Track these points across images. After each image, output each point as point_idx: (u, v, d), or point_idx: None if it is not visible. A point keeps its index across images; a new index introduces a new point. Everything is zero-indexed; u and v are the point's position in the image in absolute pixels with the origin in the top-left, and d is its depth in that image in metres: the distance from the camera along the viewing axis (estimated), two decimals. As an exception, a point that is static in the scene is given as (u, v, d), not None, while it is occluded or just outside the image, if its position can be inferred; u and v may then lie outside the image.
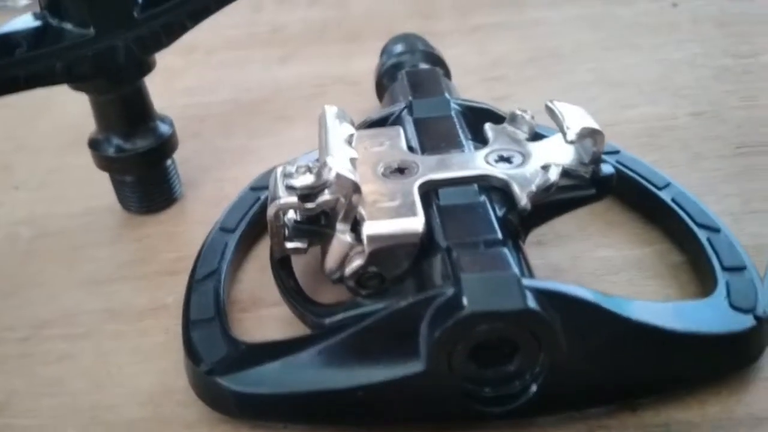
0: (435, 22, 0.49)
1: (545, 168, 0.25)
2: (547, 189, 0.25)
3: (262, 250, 0.31)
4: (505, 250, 0.22)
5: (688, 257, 0.28)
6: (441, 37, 0.46)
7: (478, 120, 0.31)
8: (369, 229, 0.23)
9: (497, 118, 0.31)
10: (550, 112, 0.26)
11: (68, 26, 0.28)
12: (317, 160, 0.28)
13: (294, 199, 0.25)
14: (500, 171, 0.25)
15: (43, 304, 0.29)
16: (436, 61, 0.36)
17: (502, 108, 0.33)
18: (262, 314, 0.28)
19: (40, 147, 0.39)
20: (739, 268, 0.26)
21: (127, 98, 0.31)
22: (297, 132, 0.39)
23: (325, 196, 0.24)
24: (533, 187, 0.24)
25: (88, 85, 0.30)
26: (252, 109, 0.41)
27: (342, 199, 0.24)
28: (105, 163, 0.32)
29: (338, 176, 0.23)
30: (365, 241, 0.23)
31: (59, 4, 0.28)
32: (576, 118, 0.25)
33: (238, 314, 0.28)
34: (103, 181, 0.33)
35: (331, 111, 0.27)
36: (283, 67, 0.45)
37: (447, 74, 0.37)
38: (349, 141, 0.26)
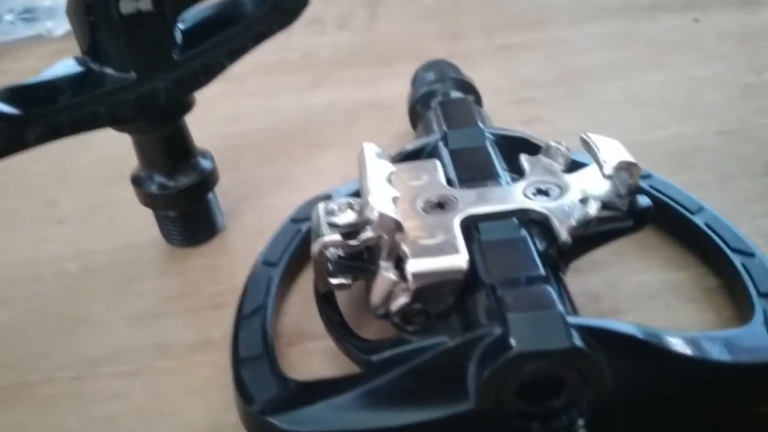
0: (462, 42, 0.50)
1: (583, 201, 0.25)
2: (586, 223, 0.25)
3: (305, 282, 0.31)
4: (549, 288, 0.22)
5: (723, 281, 0.29)
6: (468, 57, 0.46)
7: (512, 148, 0.31)
8: (413, 266, 0.23)
9: (531, 146, 0.32)
10: (585, 144, 0.26)
11: (109, 71, 0.28)
12: (358, 196, 0.29)
13: (337, 236, 0.25)
14: (539, 204, 0.26)
15: (93, 342, 0.30)
16: (467, 88, 0.37)
17: (533, 131, 0.34)
18: (308, 348, 0.28)
19: (83, 181, 0.40)
20: (777, 293, 0.26)
21: (168, 137, 0.31)
22: (331, 158, 0.40)
23: (368, 233, 0.25)
24: (573, 222, 0.25)
25: (130, 126, 0.30)
26: (287, 137, 0.42)
27: (385, 236, 0.24)
28: (148, 199, 0.33)
29: (381, 216, 0.24)
30: (410, 278, 0.23)
31: (100, 49, 0.28)
32: (611, 152, 0.25)
33: (285, 348, 0.28)
34: (145, 214, 0.34)
35: (369, 149, 0.27)
36: (315, 92, 0.46)
37: (478, 100, 0.37)
38: (389, 178, 0.26)
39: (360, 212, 0.25)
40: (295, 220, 0.32)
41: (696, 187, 0.33)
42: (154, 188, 0.32)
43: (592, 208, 0.25)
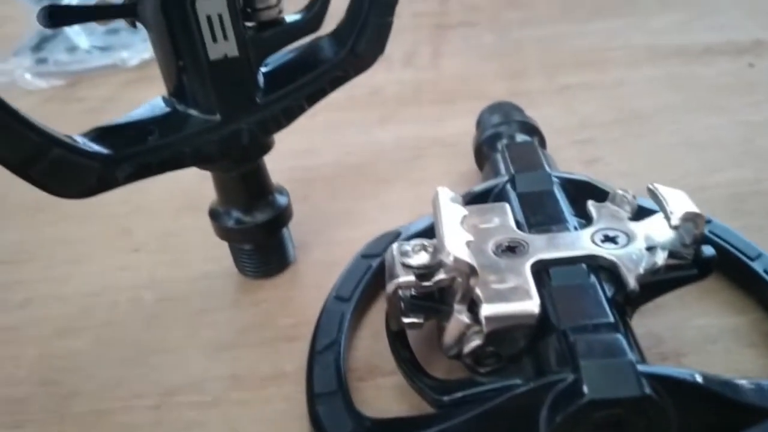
0: (522, 81, 0.50)
1: (650, 250, 0.26)
2: (653, 272, 0.25)
3: (374, 316, 0.32)
4: (619, 336, 0.23)
5: (784, 325, 0.29)
6: (529, 96, 0.47)
7: (577, 192, 0.32)
8: (487, 311, 0.24)
9: (595, 190, 0.33)
10: (652, 194, 0.27)
11: (194, 112, 0.29)
12: (427, 235, 0.30)
13: (411, 277, 0.26)
14: (607, 252, 0.26)
15: (170, 371, 0.31)
16: (532, 130, 0.37)
17: (594, 173, 0.34)
18: (379, 383, 0.29)
19: (157, 210, 0.41)
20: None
21: (247, 175, 0.32)
22: (398, 194, 0.40)
23: (441, 275, 0.26)
24: (640, 270, 0.25)
25: (211, 165, 0.32)
26: (355, 172, 0.43)
27: (459, 280, 0.25)
28: (224, 233, 0.34)
29: (456, 260, 0.24)
30: (483, 322, 0.24)
31: (186, 91, 0.29)
32: (678, 203, 0.26)
33: (356, 383, 0.29)
34: (218, 244, 0.35)
35: (443, 193, 0.28)
36: (381, 128, 0.47)
37: (542, 141, 0.38)
38: (462, 222, 0.27)
39: (433, 254, 0.26)
40: (366, 255, 0.33)
41: (753, 232, 0.33)
42: (231, 223, 0.33)
43: (660, 258, 0.25)
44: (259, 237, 0.34)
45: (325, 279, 0.34)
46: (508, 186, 0.32)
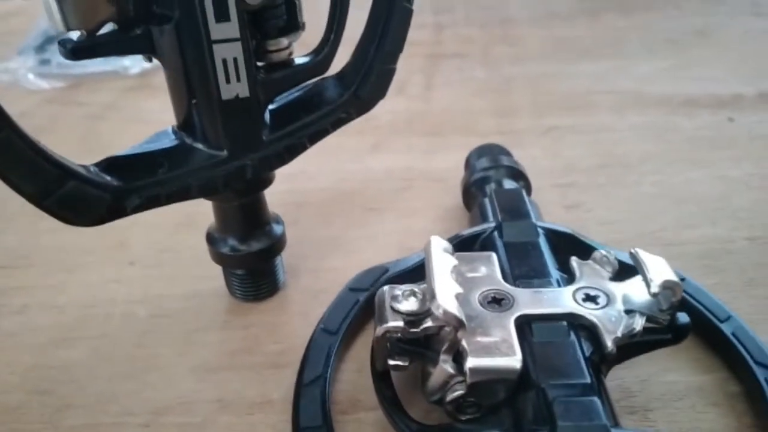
0: (511, 120, 0.51)
1: (629, 313, 0.27)
2: (631, 336, 0.26)
3: (359, 349, 0.33)
4: (595, 399, 0.24)
5: (745, 389, 0.30)
6: (517, 136, 0.48)
7: (560, 242, 0.33)
8: (472, 363, 0.25)
9: (577, 242, 0.34)
10: (634, 259, 0.28)
11: (202, 147, 0.30)
12: (414, 273, 0.32)
13: (400, 323, 0.27)
14: (588, 311, 0.27)
15: (161, 389, 0.31)
16: (518, 175, 0.38)
17: (575, 218, 0.36)
18: (362, 417, 0.30)
19: (153, 225, 0.41)
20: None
21: (247, 206, 0.33)
22: (387, 225, 0.41)
23: (429, 323, 0.26)
24: (618, 333, 0.26)
25: (214, 196, 0.32)
26: (345, 198, 0.43)
27: (447, 330, 0.26)
28: (219, 258, 0.34)
29: (445, 313, 0.25)
30: (468, 374, 0.25)
31: (196, 127, 0.30)
32: (657, 270, 0.27)
33: (339, 416, 0.29)
34: (212, 264, 0.35)
35: (436, 243, 0.29)
36: (373, 156, 0.47)
37: (528, 186, 0.38)
38: (452, 273, 0.28)
39: (422, 301, 0.27)
40: (353, 288, 0.34)
41: (723, 290, 0.34)
42: (226, 250, 0.34)
43: (638, 324, 0.26)
44: (253, 264, 0.34)
45: (312, 307, 0.35)
46: (495, 233, 0.33)
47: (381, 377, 0.29)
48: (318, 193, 0.44)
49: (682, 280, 0.33)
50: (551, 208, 0.40)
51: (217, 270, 0.36)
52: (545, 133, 0.49)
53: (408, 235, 0.40)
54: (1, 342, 0.34)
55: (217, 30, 0.27)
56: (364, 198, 0.43)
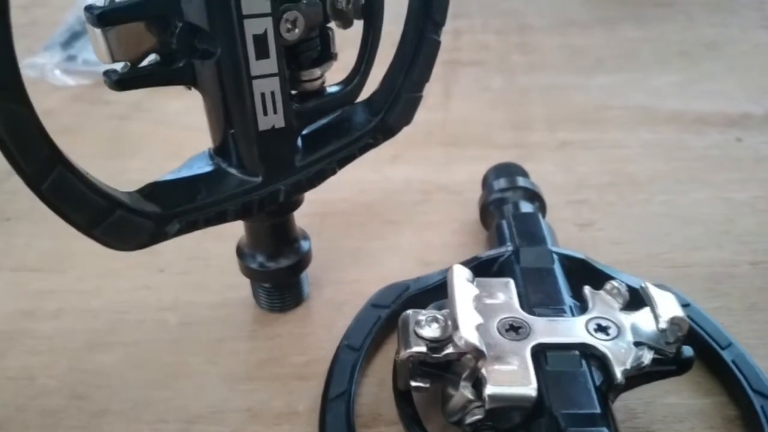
0: (527, 133, 0.52)
1: (638, 345, 0.28)
2: (639, 368, 0.28)
3: (381, 364, 0.34)
4: (604, 430, 0.26)
5: (742, 414, 0.31)
6: (532, 150, 0.50)
7: (572, 266, 0.35)
8: (491, 391, 0.26)
9: (589, 267, 0.35)
10: (644, 293, 0.29)
11: (238, 172, 0.31)
12: (435, 292, 0.34)
13: (423, 348, 0.28)
14: (599, 342, 0.29)
15: (192, 397, 0.33)
16: (534, 196, 0.40)
17: (586, 237, 0.39)
18: (382, 431, 0.31)
19: None
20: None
21: (277, 226, 0.34)
22: (406, 238, 0.43)
23: (450, 349, 0.28)
24: (627, 365, 0.28)
25: (247, 218, 0.33)
26: (366, 210, 0.44)
27: (468, 357, 0.27)
28: (248, 272, 0.36)
29: (467, 344, 0.27)
30: (486, 400, 0.27)
31: (232, 153, 0.31)
32: (666, 306, 0.28)
33: (361, 429, 0.31)
34: (238, 273, 0.36)
35: (459, 272, 0.30)
36: (393, 167, 0.49)
37: (543, 207, 0.40)
38: (474, 302, 0.29)
39: (444, 328, 0.29)
40: (375, 305, 0.36)
41: (726, 314, 0.36)
42: (255, 265, 0.35)
43: (647, 358, 0.28)
44: (280, 279, 0.36)
45: (335, 319, 0.36)
46: (513, 258, 0.34)
47: (402, 396, 0.30)
48: (340, 203, 0.45)
49: (687, 305, 0.35)
50: (565, 226, 0.42)
51: (244, 279, 0.37)
52: (558, 147, 0.50)
53: (426, 249, 0.41)
54: (39, 345, 0.36)
55: (257, 66, 0.28)
56: (383, 210, 0.45)
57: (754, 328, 0.36)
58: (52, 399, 0.33)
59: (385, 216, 0.44)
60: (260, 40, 0.28)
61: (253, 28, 0.27)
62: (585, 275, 0.35)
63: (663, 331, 0.28)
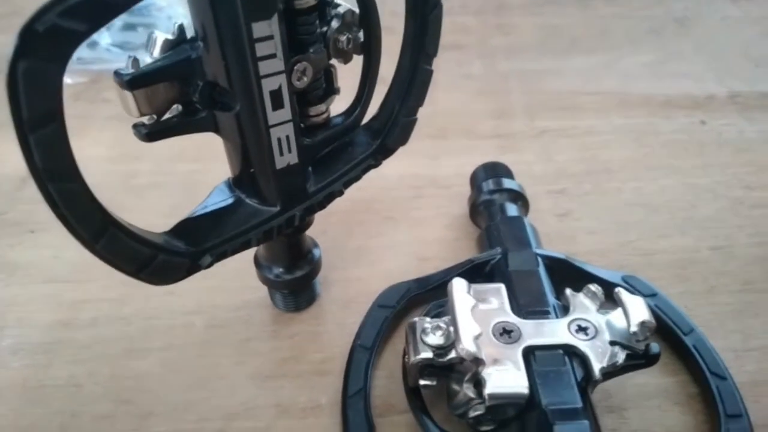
0: (507, 122, 0.56)
1: (613, 344, 0.33)
2: (614, 365, 0.33)
3: (389, 358, 0.39)
4: (586, 423, 0.31)
5: (702, 391, 0.37)
6: (513, 139, 0.54)
7: (555, 265, 0.40)
8: (490, 391, 0.31)
9: (568, 265, 0.40)
10: (618, 298, 0.34)
11: (258, 204, 0.34)
12: (436, 290, 0.39)
13: (430, 354, 0.33)
14: (580, 342, 0.34)
15: (227, 396, 0.37)
16: (518, 196, 0.44)
17: (565, 227, 0.43)
18: (395, 420, 0.36)
19: None
20: (737, 416, 0.35)
21: (292, 243, 0.38)
22: (402, 235, 0.47)
23: (453, 354, 0.33)
24: (604, 363, 0.33)
25: (265, 240, 0.37)
26: (365, 207, 0.48)
27: (469, 363, 0.32)
28: (265, 280, 0.40)
29: (468, 354, 0.32)
30: (487, 399, 0.32)
31: (251, 187, 0.34)
32: (636, 310, 0.33)
33: (377, 419, 0.36)
34: (255, 276, 0.40)
35: (458, 285, 0.35)
36: (387, 162, 0.52)
37: (526, 205, 0.44)
38: (473, 311, 0.34)
39: (447, 335, 0.33)
40: (382, 306, 0.40)
41: (688, 298, 0.41)
42: (271, 276, 0.39)
43: (620, 358, 0.33)
44: (295, 287, 0.40)
45: (344, 317, 0.41)
46: (502, 262, 0.39)
47: (412, 391, 0.35)
48: (342, 202, 0.48)
49: (655, 295, 0.40)
50: (545, 217, 0.47)
51: (259, 281, 0.41)
52: (538, 136, 0.54)
53: (422, 246, 0.46)
54: (80, 354, 0.40)
55: (273, 116, 0.31)
56: (381, 207, 0.49)
57: (713, 310, 0.41)
58: (101, 405, 0.37)
59: (383, 213, 0.48)
60: (276, 94, 0.31)
61: (269, 85, 0.30)
62: (566, 272, 0.40)
63: (634, 333, 0.33)
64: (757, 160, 0.51)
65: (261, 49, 0.29)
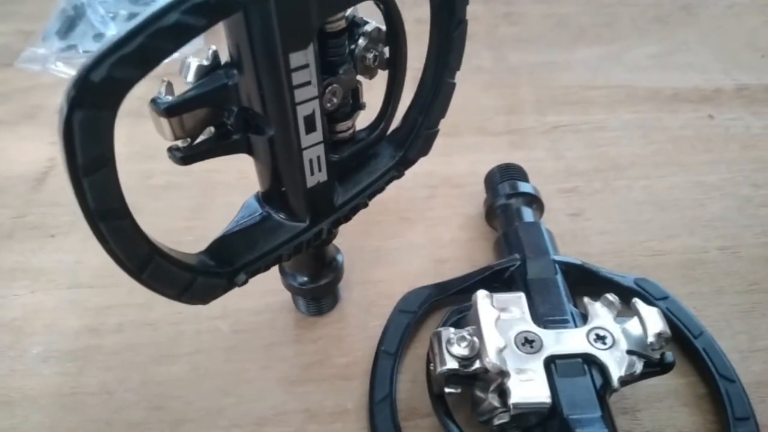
0: (518, 117, 0.57)
1: (630, 353, 0.36)
2: (632, 375, 0.35)
3: (411, 363, 0.41)
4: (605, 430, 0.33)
5: (710, 391, 0.39)
6: (524, 135, 0.55)
7: (572, 270, 0.42)
8: (515, 400, 0.34)
9: (585, 270, 0.42)
10: (634, 308, 0.36)
11: (287, 219, 0.36)
12: (457, 295, 0.41)
13: (456, 365, 0.35)
14: (599, 351, 0.36)
15: (256, 402, 0.39)
16: (533, 199, 0.46)
17: (577, 228, 0.45)
18: (419, 423, 0.38)
19: None
20: (745, 419, 0.37)
21: (317, 253, 0.40)
22: (418, 236, 0.48)
23: (478, 364, 0.35)
24: (622, 373, 0.35)
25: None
26: (381, 208, 0.48)
27: (494, 375, 0.34)
28: (290, 287, 0.42)
29: (494, 367, 0.34)
30: (511, 408, 0.34)
31: (281, 203, 0.35)
32: (652, 321, 0.35)
33: (402, 422, 0.38)
34: (277, 279, 0.41)
35: (482, 296, 0.37)
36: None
37: (541, 208, 0.46)
38: (495, 324, 0.36)
39: (472, 346, 0.35)
40: (403, 311, 0.42)
41: (697, 299, 0.43)
42: (295, 284, 0.41)
43: (638, 368, 0.35)
44: (319, 294, 0.42)
45: (366, 320, 0.43)
46: (520, 269, 0.41)
47: (437, 397, 0.38)
48: (360, 203, 0.50)
49: (666, 298, 0.43)
50: (558, 217, 0.48)
51: (280, 283, 0.42)
52: (548, 132, 0.56)
53: (438, 247, 0.47)
54: (110, 361, 0.42)
55: (306, 140, 0.33)
56: (397, 207, 0.50)
57: (721, 311, 0.43)
58: (134, 412, 0.39)
59: (399, 214, 0.50)
60: (309, 119, 0.32)
61: (304, 111, 0.32)
62: (582, 276, 0.42)
63: (650, 343, 0.35)
64: (764, 157, 0.53)
65: (297, 77, 0.30)
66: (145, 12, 0.25)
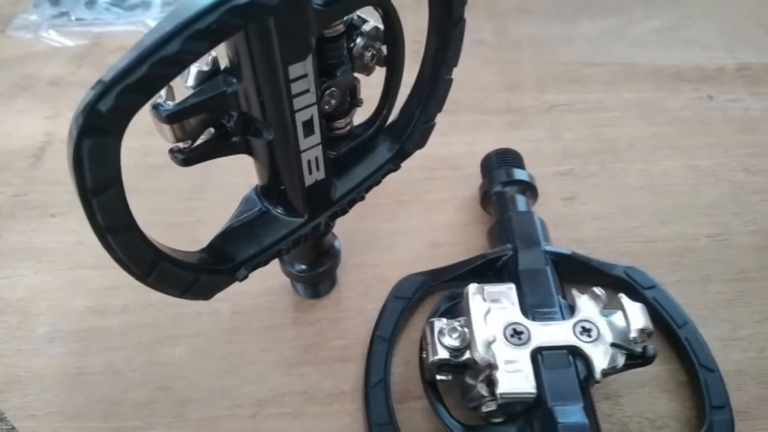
0: (518, 95, 0.59)
1: (614, 346, 0.39)
2: (614, 368, 0.39)
3: (404, 347, 0.44)
4: (587, 423, 0.37)
5: (690, 379, 0.42)
6: (523, 114, 0.57)
7: (561, 260, 0.45)
8: (502, 390, 0.37)
9: (574, 260, 0.45)
10: (620, 303, 0.39)
11: (284, 214, 0.38)
12: (451, 282, 0.44)
13: (447, 355, 0.38)
14: (584, 344, 0.39)
15: (256, 383, 0.42)
16: (528, 186, 0.48)
17: (571, 212, 0.47)
18: (412, 406, 0.42)
19: (218, 221, 0.49)
20: (721, 407, 0.41)
21: (317, 244, 0.43)
22: (414, 218, 0.51)
23: (468, 355, 0.38)
24: (605, 365, 0.38)
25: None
26: (378, 191, 0.50)
27: (482, 367, 0.38)
28: (288, 273, 0.45)
29: (482, 359, 0.37)
30: (498, 397, 0.37)
31: (278, 200, 0.38)
32: (636, 316, 0.38)
33: (396, 404, 0.41)
34: (274, 262, 0.43)
35: (473, 290, 0.40)
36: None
37: (535, 195, 0.49)
38: (485, 317, 0.39)
39: (463, 337, 0.39)
40: (398, 297, 0.45)
41: (684, 287, 0.46)
42: (293, 271, 0.44)
43: (620, 361, 0.38)
44: (318, 280, 0.45)
45: (363, 303, 0.46)
46: (512, 260, 0.44)
47: (429, 383, 0.41)
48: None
49: (654, 287, 0.46)
50: (552, 201, 0.51)
51: (279, 266, 0.45)
52: (547, 111, 0.58)
53: (434, 230, 0.50)
54: (115, 341, 0.45)
55: (304, 143, 0.35)
56: (394, 190, 0.52)
57: (706, 299, 0.46)
58: (140, 391, 0.42)
59: (396, 196, 0.52)
60: (308, 123, 0.34)
61: (302, 117, 0.34)
62: (572, 266, 0.45)
63: (633, 338, 0.38)
64: (759, 141, 0.55)
65: (296, 87, 0.32)
66: (148, 38, 0.26)
